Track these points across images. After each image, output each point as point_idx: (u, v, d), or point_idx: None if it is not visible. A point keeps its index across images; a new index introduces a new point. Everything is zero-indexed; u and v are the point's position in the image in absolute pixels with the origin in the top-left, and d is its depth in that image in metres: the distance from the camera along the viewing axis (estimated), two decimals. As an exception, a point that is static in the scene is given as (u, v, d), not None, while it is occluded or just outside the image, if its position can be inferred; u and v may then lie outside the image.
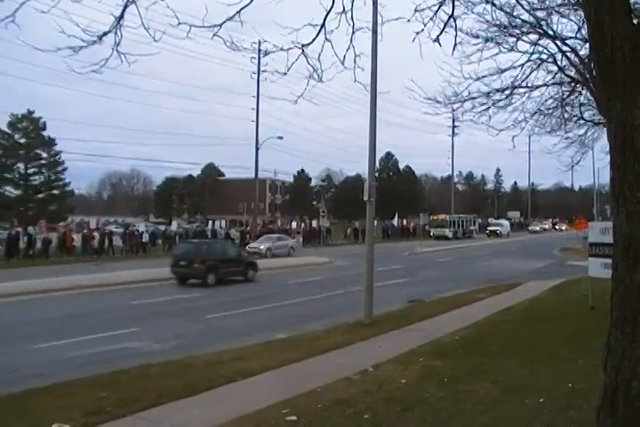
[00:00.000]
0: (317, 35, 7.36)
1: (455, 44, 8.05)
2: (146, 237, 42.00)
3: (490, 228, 73.28)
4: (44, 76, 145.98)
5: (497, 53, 12.43)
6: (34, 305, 18.69)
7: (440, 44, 8.05)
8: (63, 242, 37.01)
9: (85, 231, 41.01)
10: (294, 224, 61.93)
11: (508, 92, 13.35)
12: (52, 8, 5.86)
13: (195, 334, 14.08)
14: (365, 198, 14.82)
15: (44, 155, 63.13)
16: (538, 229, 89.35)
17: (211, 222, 56.96)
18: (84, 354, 11.79)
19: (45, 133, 62.66)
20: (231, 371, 9.53)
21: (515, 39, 12.41)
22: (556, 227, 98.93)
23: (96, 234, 39.75)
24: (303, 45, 7.44)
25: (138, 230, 44.35)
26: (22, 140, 61.66)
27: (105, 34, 6.25)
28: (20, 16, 5.64)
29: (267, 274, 28.17)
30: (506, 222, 79.36)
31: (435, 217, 69.70)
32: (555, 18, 12.01)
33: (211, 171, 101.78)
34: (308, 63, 7.63)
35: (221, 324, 15.50)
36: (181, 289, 22.28)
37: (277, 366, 9.97)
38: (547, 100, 14.71)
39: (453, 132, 73.12)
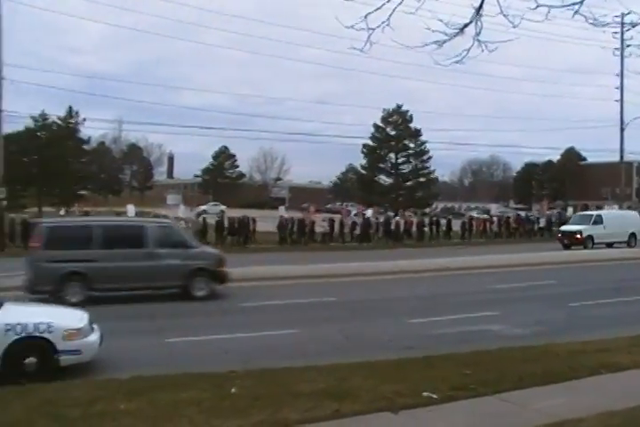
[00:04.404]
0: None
1: None
2: (542, 223, 42.93)
3: (563, 228, 36.96)
4: (407, 72, 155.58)
5: None
6: (408, 283, 20.33)
7: None
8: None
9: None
10: None
11: None
12: (417, 9, 6.41)
13: (556, 322, 13.72)
14: None
15: (412, 145, 68.02)
16: None
17: (571, 209, 55.04)
18: (448, 333, 12.41)
19: (412, 125, 67.30)
20: (595, 362, 9.12)
21: None
22: None
23: (494, 219, 43.38)
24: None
25: (533, 215, 46.93)
26: (393, 133, 67.40)
27: (466, 25, 6.58)
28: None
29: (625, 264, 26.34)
30: (613, 213, 40.09)
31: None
32: None
33: (571, 155, 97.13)
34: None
35: (584, 313, 14.80)
36: (536, 276, 21.77)
37: (649, 363, 9.23)
38: None
39: None
